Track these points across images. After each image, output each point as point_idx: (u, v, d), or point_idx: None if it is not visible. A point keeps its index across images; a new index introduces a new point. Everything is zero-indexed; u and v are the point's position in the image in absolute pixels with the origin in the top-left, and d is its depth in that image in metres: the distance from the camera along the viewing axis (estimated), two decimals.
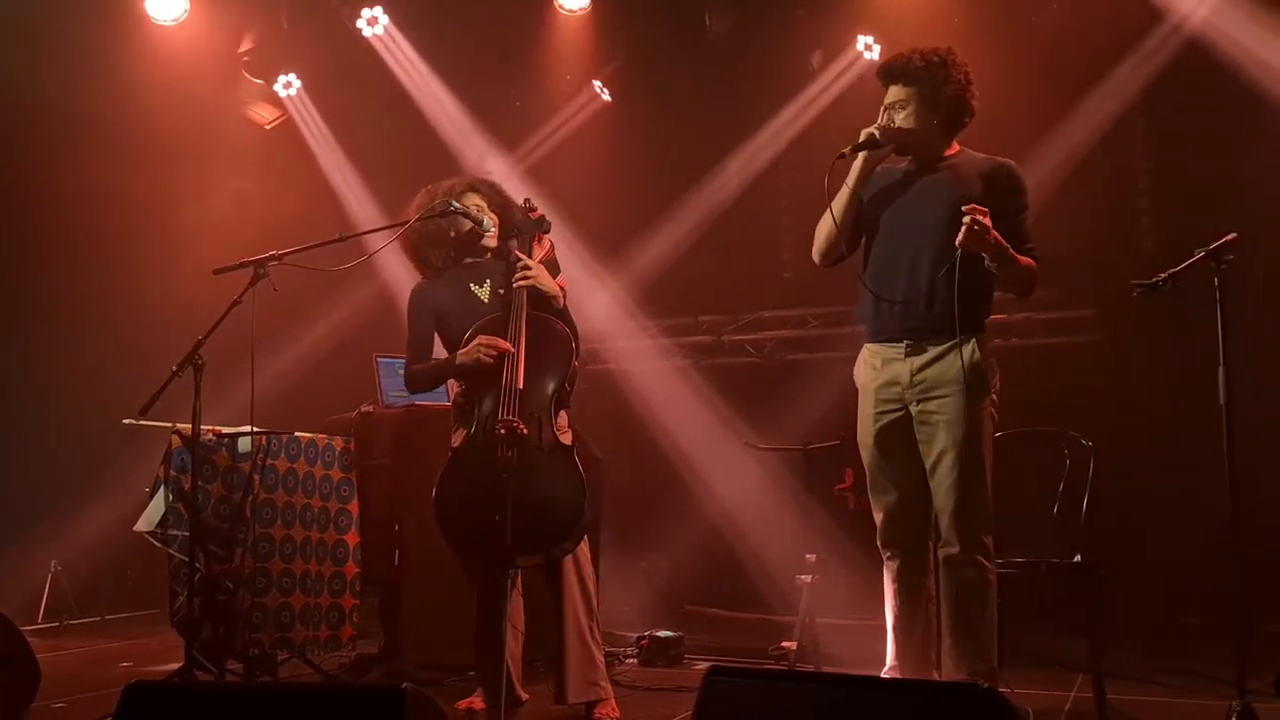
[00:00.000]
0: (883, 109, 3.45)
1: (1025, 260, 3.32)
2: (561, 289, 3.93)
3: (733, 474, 6.62)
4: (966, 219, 3.16)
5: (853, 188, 3.40)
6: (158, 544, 4.20)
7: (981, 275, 3.33)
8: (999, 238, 3.21)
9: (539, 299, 3.83)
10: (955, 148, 3.49)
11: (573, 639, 3.76)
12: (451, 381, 4.09)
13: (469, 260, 4.05)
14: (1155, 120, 6.30)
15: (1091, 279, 6.14)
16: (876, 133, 3.37)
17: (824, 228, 3.48)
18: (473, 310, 3.92)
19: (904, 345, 3.39)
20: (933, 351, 3.35)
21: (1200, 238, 3.43)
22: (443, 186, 4.05)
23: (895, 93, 3.43)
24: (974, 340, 3.35)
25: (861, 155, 3.38)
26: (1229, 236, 3.39)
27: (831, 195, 3.40)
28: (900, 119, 3.41)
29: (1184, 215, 6.04)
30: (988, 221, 3.18)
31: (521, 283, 3.78)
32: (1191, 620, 5.33)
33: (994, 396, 3.39)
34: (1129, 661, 4.53)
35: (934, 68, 3.40)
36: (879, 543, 3.48)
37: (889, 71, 3.47)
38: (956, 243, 3.19)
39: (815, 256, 3.54)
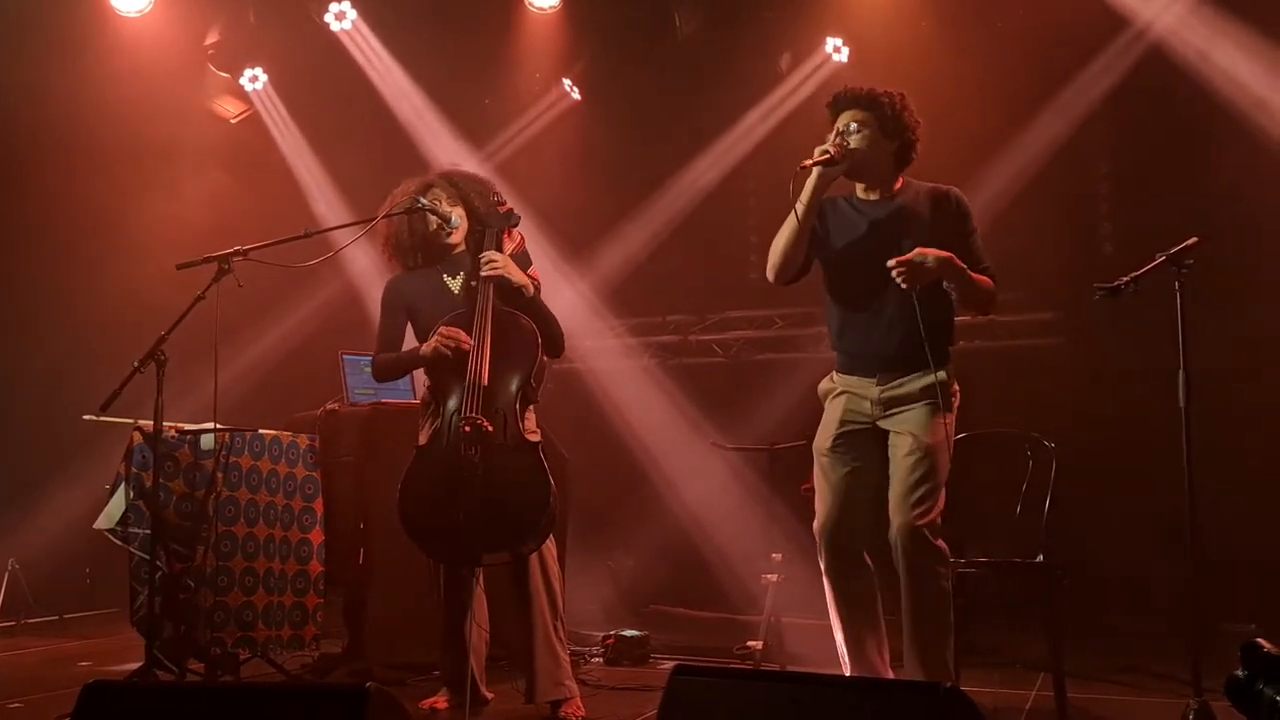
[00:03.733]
0: (834, 133, 3.45)
1: (980, 278, 3.39)
2: (534, 280, 3.92)
3: (699, 473, 6.63)
4: (895, 275, 3.26)
5: (806, 204, 3.39)
6: (118, 542, 4.14)
7: (944, 307, 3.44)
8: (938, 255, 3.27)
9: (508, 292, 3.82)
10: (901, 181, 3.54)
11: (538, 638, 3.75)
12: (422, 378, 4.08)
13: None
14: (1118, 125, 6.38)
15: (1054, 282, 6.21)
16: (831, 150, 3.37)
17: (777, 248, 3.48)
18: (444, 303, 3.91)
19: (875, 379, 3.45)
20: (902, 379, 3.42)
21: (1161, 242, 3.48)
22: (411, 184, 4.03)
23: (851, 115, 3.45)
24: (942, 369, 3.43)
25: (816, 173, 3.36)
26: (1189, 241, 3.44)
27: (801, 196, 3.39)
28: (855, 140, 3.42)
29: (1145, 220, 6.13)
30: (920, 255, 3.25)
31: (489, 273, 3.77)
32: (1150, 620, 5.40)
33: (952, 415, 3.44)
34: (1089, 661, 4.58)
35: (893, 98, 3.46)
36: (819, 549, 3.48)
37: (848, 97, 3.48)
38: (902, 286, 3.28)
39: (770, 274, 3.53)
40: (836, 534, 3.45)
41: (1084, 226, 6.54)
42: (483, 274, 3.77)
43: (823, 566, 3.49)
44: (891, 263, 3.27)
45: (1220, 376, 4.70)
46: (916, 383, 3.39)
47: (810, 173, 3.37)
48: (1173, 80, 5.86)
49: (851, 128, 3.43)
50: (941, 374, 3.41)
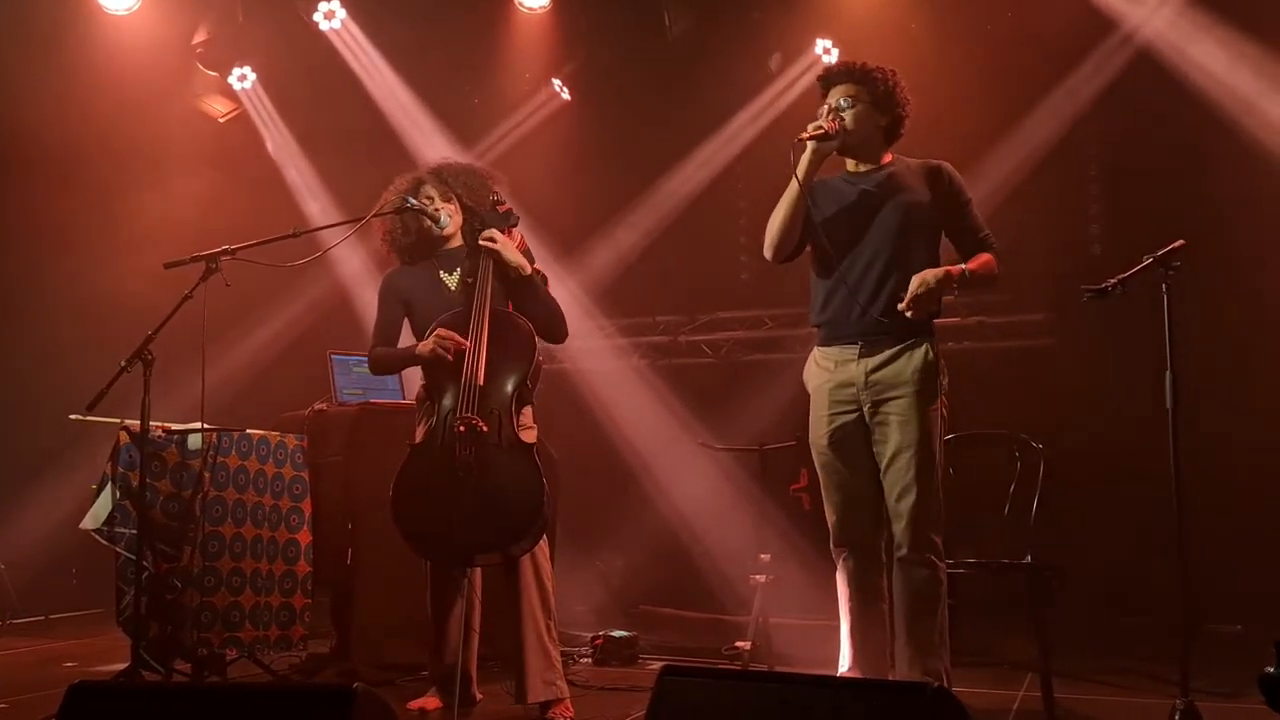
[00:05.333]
0: (826, 109, 3.48)
1: (980, 262, 3.41)
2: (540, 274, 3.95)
3: (688, 474, 6.63)
4: (909, 312, 3.29)
5: (802, 179, 3.41)
6: (104, 542, 4.12)
7: None
8: (935, 274, 3.31)
9: (505, 273, 3.83)
10: (889, 156, 3.56)
11: (531, 639, 3.74)
12: (411, 379, 4.08)
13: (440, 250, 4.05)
14: (1106, 128, 6.40)
15: (1043, 284, 6.22)
16: (826, 125, 3.40)
17: (774, 224, 3.50)
18: (440, 299, 3.92)
19: (858, 347, 3.43)
20: (886, 353, 3.40)
21: (1149, 244, 3.49)
22: (404, 180, 4.03)
23: (844, 90, 3.47)
24: (926, 343, 3.42)
25: (810, 148, 3.39)
26: (1176, 244, 3.46)
27: (798, 170, 3.40)
28: (849, 117, 3.44)
29: (1133, 222, 6.15)
30: (921, 283, 3.28)
31: (485, 244, 3.79)
32: (1137, 620, 5.41)
33: (943, 397, 3.45)
34: (1076, 661, 4.59)
35: (885, 74, 3.49)
36: (832, 544, 3.51)
37: (841, 71, 3.51)
38: (910, 316, 3.30)
39: (767, 251, 3.55)
40: (853, 534, 3.47)
41: (1073, 228, 6.56)
42: (480, 242, 3.80)
43: (839, 563, 3.50)
44: (902, 306, 3.30)
45: (1207, 378, 4.72)
46: (901, 363, 3.38)
47: (805, 147, 3.39)
48: (1161, 84, 5.88)
49: (845, 103, 3.46)
50: (928, 353, 3.40)
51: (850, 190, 3.51)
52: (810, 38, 6.67)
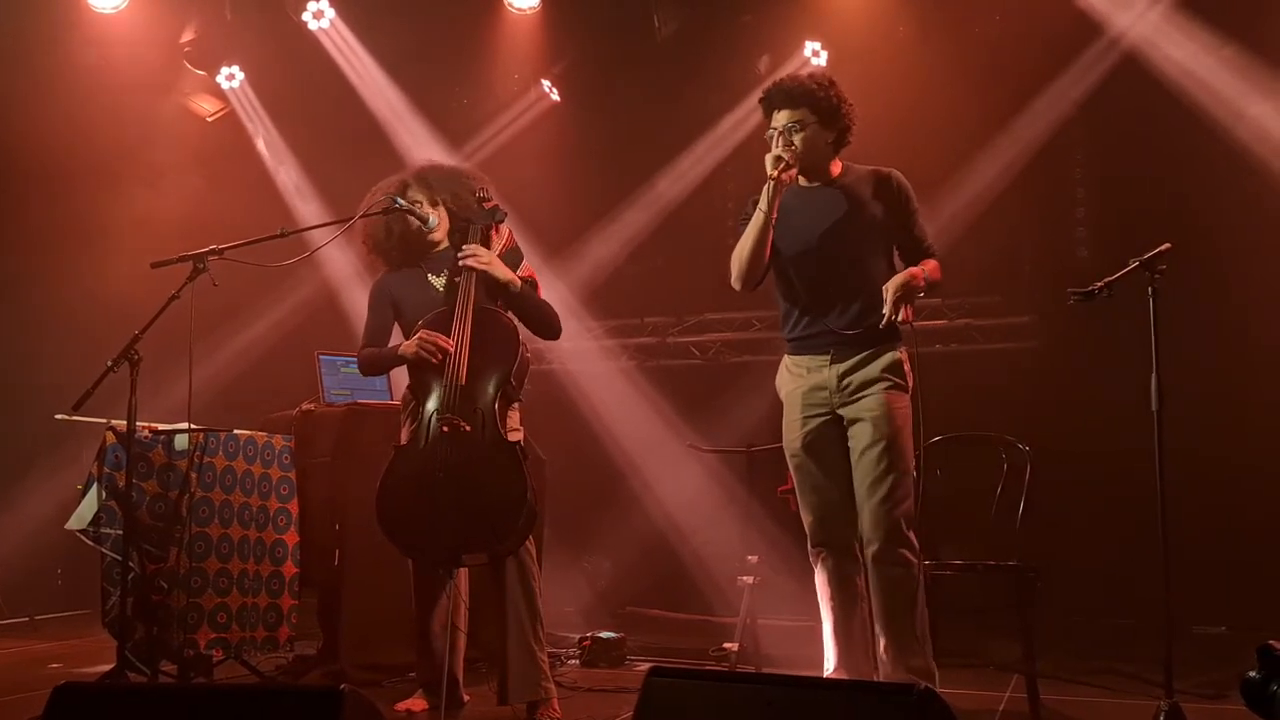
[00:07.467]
0: (775, 134, 3.49)
1: (931, 267, 3.47)
2: (529, 279, 3.94)
3: (676, 475, 6.64)
4: (897, 315, 3.33)
5: (767, 212, 3.44)
6: (90, 542, 4.11)
7: None
8: (902, 280, 3.35)
9: (495, 288, 3.82)
10: (839, 166, 3.59)
11: (514, 639, 3.74)
12: (399, 380, 4.08)
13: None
14: (1093, 132, 6.44)
15: (1030, 287, 6.25)
16: (787, 157, 3.42)
17: (742, 255, 3.53)
18: (428, 301, 3.92)
19: (828, 355, 3.48)
20: (856, 358, 3.46)
21: (1134, 247, 3.51)
22: (389, 183, 4.02)
23: (790, 115, 3.48)
24: (895, 348, 3.49)
25: (772, 183, 3.41)
26: (1162, 246, 3.48)
27: (762, 204, 3.44)
28: (799, 140, 3.46)
29: (1119, 225, 6.18)
30: (895, 290, 3.33)
31: (469, 262, 3.77)
32: (1122, 622, 5.44)
33: (913, 397, 3.49)
34: (1062, 662, 4.61)
35: (826, 88, 3.49)
36: (809, 545, 3.54)
37: (783, 95, 3.50)
38: (897, 320, 3.34)
39: (735, 283, 3.60)
40: (830, 534, 3.49)
41: (1059, 232, 6.60)
42: (461, 263, 3.78)
43: (818, 565, 3.52)
44: (884, 322, 3.34)
45: (1193, 380, 4.75)
46: (872, 364, 3.43)
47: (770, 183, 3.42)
48: (1147, 87, 5.91)
49: (793, 127, 3.47)
50: (896, 355, 3.45)
51: (804, 208, 3.54)
52: (800, 40, 6.68)
